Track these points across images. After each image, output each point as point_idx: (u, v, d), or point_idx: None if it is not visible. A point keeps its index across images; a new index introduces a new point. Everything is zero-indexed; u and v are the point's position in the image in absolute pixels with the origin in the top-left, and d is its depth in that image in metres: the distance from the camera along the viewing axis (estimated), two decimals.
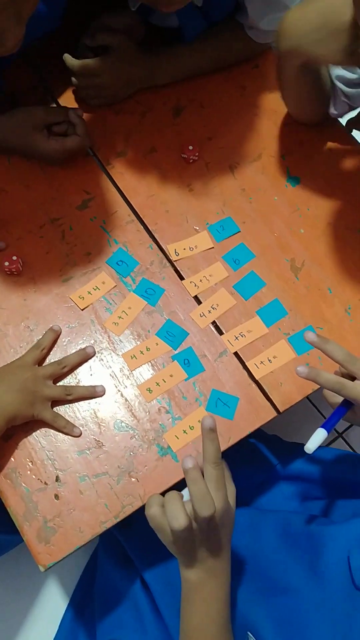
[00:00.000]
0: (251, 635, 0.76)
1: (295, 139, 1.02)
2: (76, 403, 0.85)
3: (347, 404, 0.76)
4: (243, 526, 0.90)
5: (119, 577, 1.00)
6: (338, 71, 0.93)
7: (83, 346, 0.89)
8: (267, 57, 1.09)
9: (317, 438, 0.73)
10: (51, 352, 0.88)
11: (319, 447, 1.05)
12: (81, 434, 0.84)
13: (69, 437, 0.84)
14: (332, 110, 0.97)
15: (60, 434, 0.84)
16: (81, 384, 0.86)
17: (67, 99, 1.05)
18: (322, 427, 0.74)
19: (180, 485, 0.77)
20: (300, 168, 1.01)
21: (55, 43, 1.02)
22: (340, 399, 0.77)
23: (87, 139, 0.97)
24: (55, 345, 0.89)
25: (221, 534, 0.69)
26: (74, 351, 0.88)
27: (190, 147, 0.99)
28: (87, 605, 1.11)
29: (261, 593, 0.79)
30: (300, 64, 0.86)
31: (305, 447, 0.73)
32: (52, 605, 1.20)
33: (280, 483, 1.02)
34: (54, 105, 1.04)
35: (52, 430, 0.84)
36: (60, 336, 0.89)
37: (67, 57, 0.99)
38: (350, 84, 0.93)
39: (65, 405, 0.85)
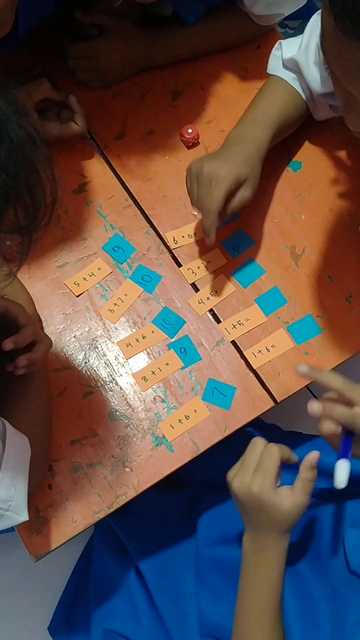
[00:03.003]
0: None
1: None
2: (71, 391, 0.84)
3: (349, 432, 0.71)
4: None
5: (114, 567, 0.99)
6: (318, 89, 0.90)
7: (79, 333, 0.87)
8: (269, 39, 1.06)
9: (342, 471, 0.69)
10: (47, 334, 0.86)
11: (319, 436, 1.05)
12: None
13: (63, 425, 0.82)
14: (316, 117, 0.96)
15: (54, 422, 0.82)
16: (76, 372, 0.85)
17: (65, 82, 1.02)
18: (341, 458, 0.70)
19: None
20: (302, 153, 0.98)
21: (51, 26, 1.00)
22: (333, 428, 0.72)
23: (86, 127, 0.95)
24: (50, 333, 0.87)
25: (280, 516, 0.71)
26: (68, 338, 0.87)
27: (190, 130, 0.96)
28: (82, 594, 1.10)
29: None
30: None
31: (335, 484, 0.69)
32: (46, 594, 1.20)
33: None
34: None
35: None
36: (55, 323, 0.88)
37: (65, 40, 0.97)
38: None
39: (60, 394, 0.84)
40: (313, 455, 0.73)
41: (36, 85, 0.90)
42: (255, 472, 0.72)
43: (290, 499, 0.71)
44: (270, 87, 0.93)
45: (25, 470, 0.69)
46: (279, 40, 0.94)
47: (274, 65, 0.95)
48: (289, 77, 0.92)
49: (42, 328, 0.87)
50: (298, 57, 0.88)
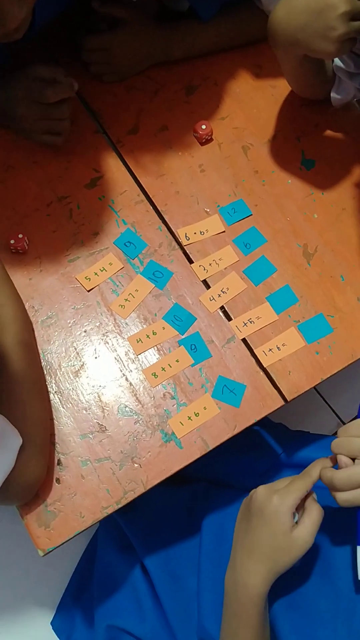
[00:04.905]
0: None
1: (311, 121, 0.99)
2: (80, 386, 0.84)
3: None
4: None
5: (119, 563, 0.99)
6: (336, 62, 0.89)
7: (89, 328, 0.87)
8: None
9: None
10: (56, 332, 0.86)
11: (326, 436, 1.04)
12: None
13: (72, 420, 0.82)
14: (335, 95, 0.94)
15: (64, 416, 0.82)
16: (86, 367, 0.85)
17: (79, 75, 1.01)
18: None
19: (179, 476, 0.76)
20: (315, 151, 0.98)
21: (65, 18, 0.99)
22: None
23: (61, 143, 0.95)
24: (60, 327, 0.87)
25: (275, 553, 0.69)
26: (79, 332, 0.86)
27: (203, 126, 0.96)
28: (85, 589, 1.10)
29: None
30: (297, 58, 0.84)
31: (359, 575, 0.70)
32: (49, 589, 1.19)
33: (285, 472, 1.01)
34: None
35: (55, 414, 0.82)
36: (66, 317, 0.87)
37: (79, 33, 0.97)
38: (349, 75, 0.90)
39: (69, 388, 0.83)
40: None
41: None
42: (283, 488, 0.71)
43: (302, 531, 0.69)
44: None
45: (7, 462, 0.70)
46: None
47: None
48: None
49: (32, 332, 0.86)
50: None
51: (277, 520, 0.69)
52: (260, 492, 0.72)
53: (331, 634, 0.73)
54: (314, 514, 0.70)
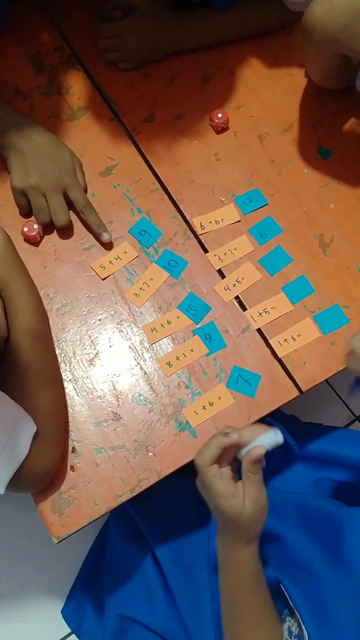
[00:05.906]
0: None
1: (327, 110, 0.99)
2: (95, 374, 0.83)
3: None
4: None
5: (130, 552, 0.99)
6: None
7: (104, 317, 0.86)
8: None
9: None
10: (70, 320, 0.86)
11: (338, 428, 1.04)
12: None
13: (86, 408, 0.82)
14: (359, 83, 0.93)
15: (78, 404, 0.82)
16: (100, 355, 0.84)
17: (95, 62, 1.01)
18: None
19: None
20: (332, 140, 0.97)
21: (81, 5, 0.98)
22: None
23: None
24: (75, 315, 0.86)
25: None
26: (93, 321, 0.86)
27: (219, 115, 0.95)
28: (96, 578, 1.10)
29: (289, 573, 0.78)
30: (329, 54, 0.83)
31: None
32: (59, 577, 1.20)
33: (297, 463, 1.01)
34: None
35: (69, 401, 0.82)
36: (80, 306, 0.87)
37: (95, 21, 0.96)
38: None
39: (84, 377, 0.83)
40: (256, 452, 0.70)
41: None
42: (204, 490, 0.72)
43: (246, 502, 0.69)
44: None
45: (21, 450, 0.70)
46: None
47: None
48: None
49: (46, 321, 0.85)
50: None
51: (228, 510, 0.70)
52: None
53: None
54: (251, 488, 0.70)
